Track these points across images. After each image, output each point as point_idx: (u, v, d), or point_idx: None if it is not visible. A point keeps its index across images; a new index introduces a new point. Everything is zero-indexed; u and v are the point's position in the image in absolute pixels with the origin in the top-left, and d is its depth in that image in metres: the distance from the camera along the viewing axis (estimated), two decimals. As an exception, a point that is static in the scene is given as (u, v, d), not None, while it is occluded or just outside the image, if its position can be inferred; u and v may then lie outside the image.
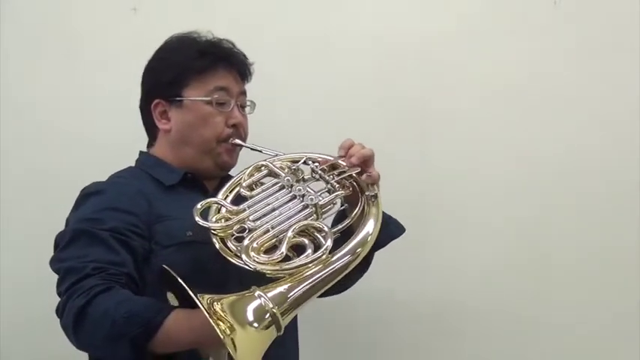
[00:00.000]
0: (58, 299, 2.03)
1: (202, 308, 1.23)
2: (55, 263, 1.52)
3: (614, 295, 2.03)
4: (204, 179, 1.71)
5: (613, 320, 2.02)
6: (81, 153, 2.18)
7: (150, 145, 1.77)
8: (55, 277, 2.04)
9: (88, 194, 1.60)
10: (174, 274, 1.29)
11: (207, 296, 1.27)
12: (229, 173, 1.75)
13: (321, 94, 2.14)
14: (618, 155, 2.07)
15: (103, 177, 2.05)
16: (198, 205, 1.47)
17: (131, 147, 2.07)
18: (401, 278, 2.06)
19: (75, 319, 1.37)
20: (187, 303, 1.35)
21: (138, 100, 2.10)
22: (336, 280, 1.42)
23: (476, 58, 2.13)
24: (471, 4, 2.15)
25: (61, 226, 2.08)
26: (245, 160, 1.72)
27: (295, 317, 1.51)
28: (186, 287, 1.26)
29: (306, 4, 2.18)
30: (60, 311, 1.42)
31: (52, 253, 2.05)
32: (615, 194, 2.06)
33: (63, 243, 1.52)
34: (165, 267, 1.33)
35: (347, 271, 1.44)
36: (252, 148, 1.68)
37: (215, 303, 1.26)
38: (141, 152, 1.78)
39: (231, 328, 1.23)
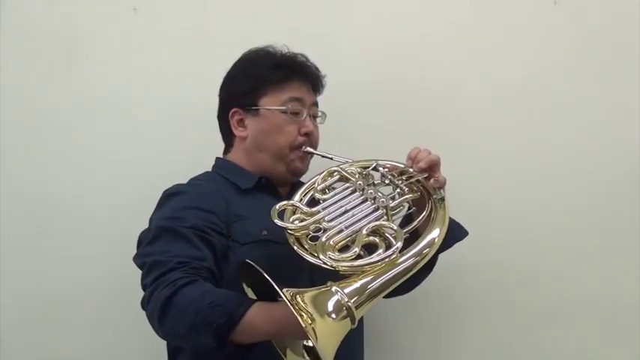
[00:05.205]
0: (57, 299, 2.14)
1: (286, 300, 1.32)
2: (139, 258, 1.61)
3: (613, 295, 2.04)
4: (277, 184, 1.81)
5: (614, 313, 2.04)
6: (80, 153, 2.20)
7: (226, 151, 1.86)
8: (54, 276, 2.16)
9: (170, 195, 1.70)
10: (259, 268, 1.38)
11: (289, 290, 1.35)
12: (300, 180, 1.83)
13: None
14: (617, 155, 2.06)
15: (103, 177, 2.17)
16: (277, 206, 1.55)
17: (131, 146, 2.18)
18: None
19: (161, 309, 1.45)
20: (265, 297, 1.45)
21: (138, 99, 2.20)
22: (404, 279, 1.50)
23: (475, 58, 2.13)
24: (471, 4, 2.15)
25: (53, 225, 2.16)
26: (314, 166, 1.80)
27: (362, 320, 1.55)
28: (270, 280, 1.34)
29: (303, 4, 2.19)
30: (146, 302, 1.51)
31: (48, 251, 2.16)
32: (615, 194, 2.05)
33: (147, 239, 1.61)
34: (249, 261, 1.42)
35: (414, 271, 1.51)
36: (323, 156, 1.76)
37: (297, 296, 1.35)
38: (217, 158, 1.87)
39: (312, 319, 1.32)
